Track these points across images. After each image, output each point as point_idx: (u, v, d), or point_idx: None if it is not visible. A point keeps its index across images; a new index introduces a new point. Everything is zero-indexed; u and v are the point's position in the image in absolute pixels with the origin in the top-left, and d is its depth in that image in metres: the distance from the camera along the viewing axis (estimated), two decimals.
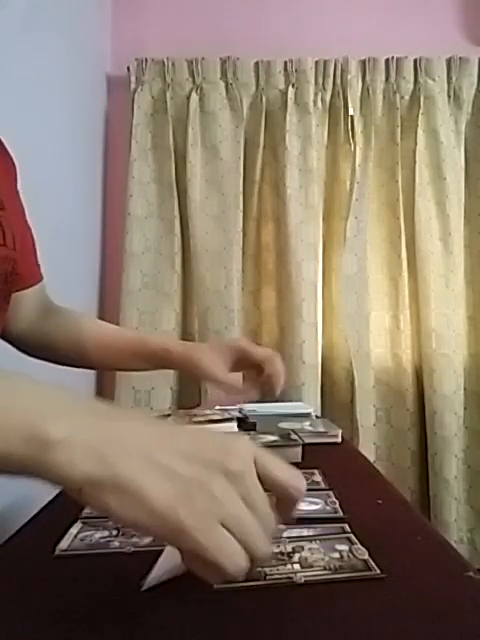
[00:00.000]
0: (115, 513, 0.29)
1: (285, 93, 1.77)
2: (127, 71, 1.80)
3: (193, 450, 0.31)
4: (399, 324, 1.78)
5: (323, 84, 1.79)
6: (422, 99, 1.78)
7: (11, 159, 0.72)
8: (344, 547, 0.46)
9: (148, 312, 1.73)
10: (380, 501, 0.58)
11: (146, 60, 1.79)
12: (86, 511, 0.56)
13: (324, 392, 1.73)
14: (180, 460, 0.31)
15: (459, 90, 1.80)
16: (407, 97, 1.81)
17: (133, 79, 1.79)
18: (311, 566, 0.42)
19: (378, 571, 0.40)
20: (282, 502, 0.35)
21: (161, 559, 0.39)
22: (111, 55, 1.88)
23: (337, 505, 0.56)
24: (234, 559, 0.30)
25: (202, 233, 1.75)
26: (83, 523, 0.52)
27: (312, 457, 0.76)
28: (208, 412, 1.14)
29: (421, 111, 1.77)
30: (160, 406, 1.67)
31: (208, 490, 0.30)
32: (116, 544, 0.47)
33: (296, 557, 0.44)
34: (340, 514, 0.54)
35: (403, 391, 1.75)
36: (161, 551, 0.39)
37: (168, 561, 0.38)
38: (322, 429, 0.98)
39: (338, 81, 1.79)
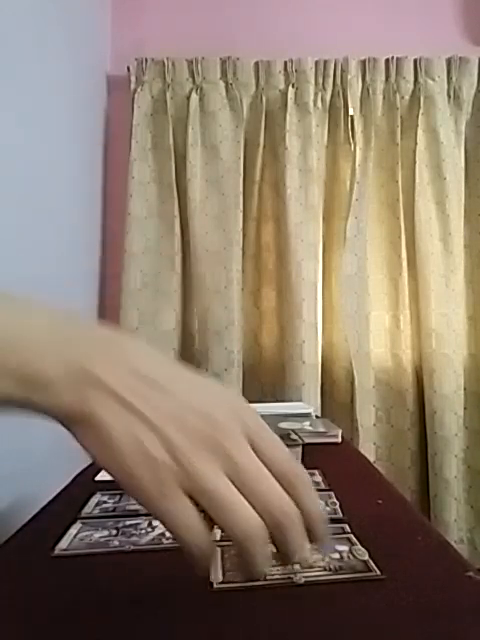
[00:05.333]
0: (87, 449, 0.28)
1: (285, 93, 1.77)
2: (127, 71, 1.80)
3: (175, 407, 0.28)
4: (399, 324, 1.78)
5: (323, 84, 1.79)
6: (422, 99, 1.77)
7: None
8: (344, 548, 0.46)
9: (148, 312, 1.73)
10: (380, 501, 0.58)
11: (146, 60, 1.79)
12: (85, 511, 0.56)
13: (324, 392, 1.73)
14: (157, 414, 0.28)
15: (459, 90, 1.80)
16: (407, 97, 1.81)
17: (133, 79, 1.79)
18: (311, 567, 0.42)
19: (378, 572, 0.40)
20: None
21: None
22: (111, 55, 1.88)
23: (337, 506, 0.56)
24: (191, 531, 0.27)
25: (202, 233, 1.75)
26: (83, 523, 0.52)
27: (312, 457, 0.76)
28: None
29: (421, 111, 1.77)
30: None
31: (179, 457, 0.27)
32: (116, 543, 0.47)
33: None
34: (340, 515, 0.54)
35: (403, 391, 1.75)
36: (158, 550, 0.39)
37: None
38: (322, 429, 0.98)
39: (338, 81, 1.79)
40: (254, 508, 0.28)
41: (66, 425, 0.29)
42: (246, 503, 0.28)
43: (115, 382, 0.28)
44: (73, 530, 0.50)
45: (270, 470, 0.30)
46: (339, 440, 0.95)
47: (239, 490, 0.28)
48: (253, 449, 0.30)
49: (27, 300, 0.30)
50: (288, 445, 0.80)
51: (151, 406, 0.28)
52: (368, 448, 1.68)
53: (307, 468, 0.70)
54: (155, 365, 0.30)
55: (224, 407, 0.30)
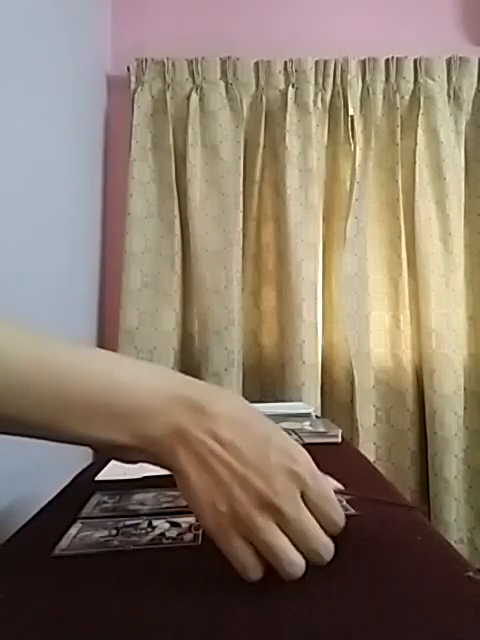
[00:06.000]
0: (180, 492, 0.38)
1: (285, 93, 1.77)
2: (127, 71, 1.80)
3: (242, 467, 0.37)
4: (399, 324, 1.78)
5: (323, 84, 1.79)
6: (422, 99, 1.78)
7: None
8: None
9: (148, 312, 1.73)
10: None
11: (146, 60, 1.79)
12: (85, 511, 0.56)
13: (324, 392, 1.73)
14: (227, 472, 0.37)
15: (459, 90, 1.80)
16: (407, 97, 1.81)
17: (133, 79, 1.79)
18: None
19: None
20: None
21: None
22: (111, 55, 1.88)
23: (345, 502, 0.56)
24: (245, 570, 0.35)
25: (202, 233, 1.75)
26: (82, 523, 0.52)
27: (312, 457, 0.76)
28: None
29: (421, 111, 1.77)
30: None
31: (239, 510, 0.35)
32: (115, 543, 0.47)
33: None
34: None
35: (403, 391, 1.75)
36: (158, 550, 0.39)
37: None
38: (322, 429, 0.98)
39: (338, 81, 1.79)
40: (298, 550, 0.36)
41: (165, 468, 0.39)
42: (291, 548, 0.36)
43: (199, 444, 0.37)
44: (73, 530, 0.50)
45: (316, 518, 0.37)
46: (339, 440, 0.95)
47: (287, 536, 0.36)
48: (304, 498, 0.37)
49: (133, 361, 0.42)
50: None
51: (223, 465, 0.37)
52: (368, 448, 1.68)
53: None
54: (231, 427, 0.38)
55: (283, 466, 0.37)
